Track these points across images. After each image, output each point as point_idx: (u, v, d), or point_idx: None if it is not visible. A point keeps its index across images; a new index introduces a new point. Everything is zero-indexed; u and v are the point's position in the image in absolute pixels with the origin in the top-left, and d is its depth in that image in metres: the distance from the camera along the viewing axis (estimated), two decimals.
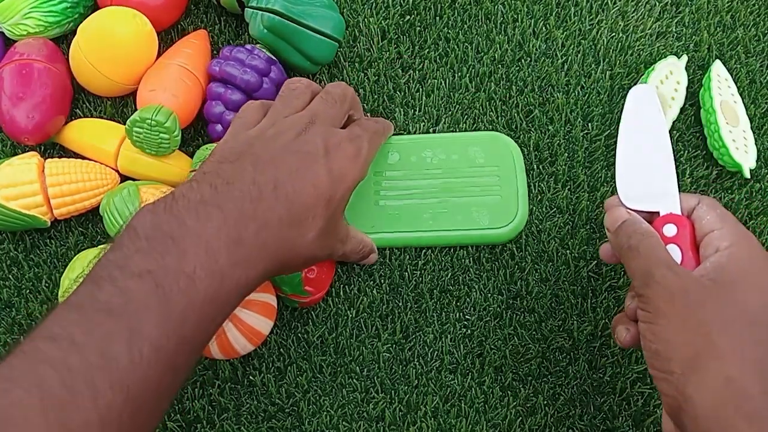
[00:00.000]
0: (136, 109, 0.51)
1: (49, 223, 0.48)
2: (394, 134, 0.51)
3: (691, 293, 0.35)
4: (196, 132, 0.51)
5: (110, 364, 0.30)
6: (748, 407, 0.32)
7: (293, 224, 0.38)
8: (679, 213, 0.40)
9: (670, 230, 0.39)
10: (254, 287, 0.37)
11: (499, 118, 0.52)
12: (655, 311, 0.36)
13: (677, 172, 0.50)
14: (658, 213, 0.41)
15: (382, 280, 0.48)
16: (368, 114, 0.52)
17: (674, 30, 0.54)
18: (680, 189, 0.50)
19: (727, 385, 0.33)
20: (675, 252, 0.39)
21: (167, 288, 0.33)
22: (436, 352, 0.47)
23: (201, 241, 0.34)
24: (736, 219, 0.39)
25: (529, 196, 0.49)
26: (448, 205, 0.48)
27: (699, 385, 0.34)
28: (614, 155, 0.50)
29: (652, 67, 0.52)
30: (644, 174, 0.42)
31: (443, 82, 0.53)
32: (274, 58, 0.50)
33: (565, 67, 0.53)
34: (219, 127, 0.49)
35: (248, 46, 0.49)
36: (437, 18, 0.54)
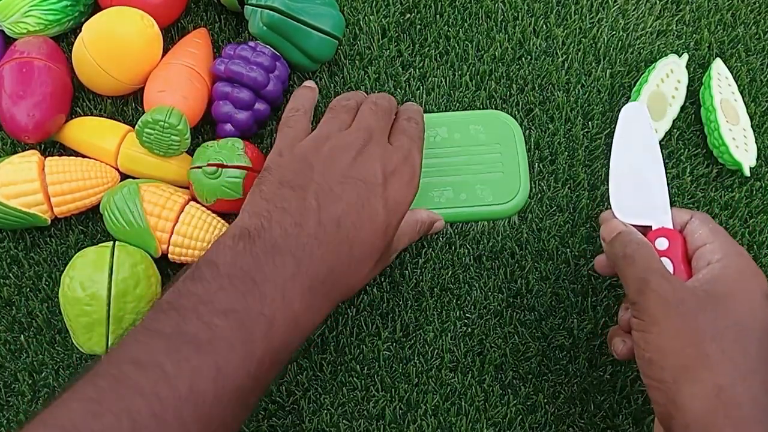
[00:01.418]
0: (137, 109, 0.51)
1: (50, 222, 0.48)
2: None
3: (686, 302, 0.36)
4: (196, 131, 0.51)
5: (198, 398, 0.31)
6: (738, 415, 0.33)
7: (354, 264, 0.40)
8: (671, 227, 0.41)
9: (662, 244, 0.41)
10: (315, 329, 0.40)
11: None
12: (649, 319, 0.37)
13: (678, 171, 0.50)
14: (650, 227, 0.42)
15: (382, 278, 0.48)
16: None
17: (675, 28, 0.54)
18: (680, 189, 0.50)
19: (718, 394, 0.34)
20: (667, 265, 0.40)
21: (250, 329, 0.34)
22: (436, 351, 0.47)
23: (278, 288, 0.35)
24: (727, 234, 0.40)
25: (530, 188, 0.50)
26: (452, 183, 0.49)
27: (690, 393, 0.34)
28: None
29: (652, 65, 0.52)
30: (637, 189, 0.43)
31: (444, 80, 0.53)
32: (278, 53, 0.50)
33: (566, 65, 0.53)
34: (229, 127, 0.49)
35: (251, 43, 0.49)
36: (437, 16, 0.54)
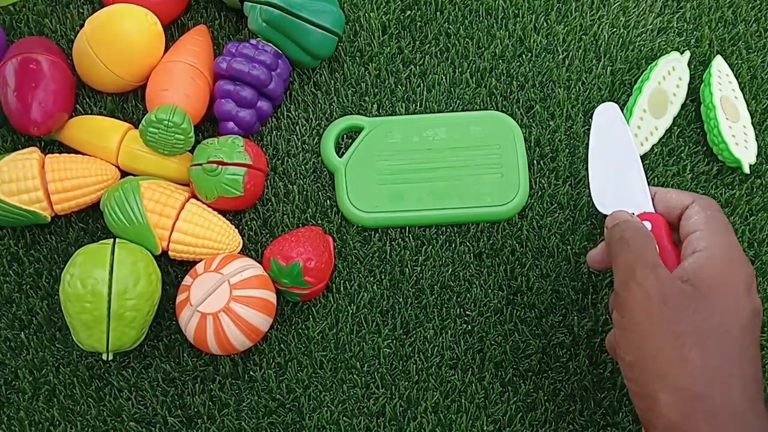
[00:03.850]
0: (138, 106, 0.51)
1: (50, 219, 0.48)
2: (395, 115, 0.51)
3: (669, 302, 0.35)
4: (198, 128, 0.51)
5: None
6: (715, 423, 0.33)
7: None
8: (652, 211, 0.42)
9: (646, 225, 0.41)
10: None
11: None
12: (630, 317, 0.36)
13: (678, 168, 0.50)
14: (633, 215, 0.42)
15: (383, 276, 0.48)
16: (373, 106, 0.52)
17: (675, 25, 0.54)
18: (681, 186, 0.50)
19: (696, 402, 0.34)
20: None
21: None
22: (436, 348, 0.47)
23: None
24: (724, 221, 0.39)
25: (529, 189, 0.50)
26: (451, 184, 0.49)
27: (668, 402, 0.34)
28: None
29: (654, 62, 0.52)
30: (615, 181, 0.45)
31: (444, 77, 0.52)
32: (279, 51, 0.50)
33: (566, 62, 0.53)
34: (231, 125, 0.49)
35: (253, 41, 0.49)
36: (438, 13, 0.54)
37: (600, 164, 0.46)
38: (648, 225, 0.41)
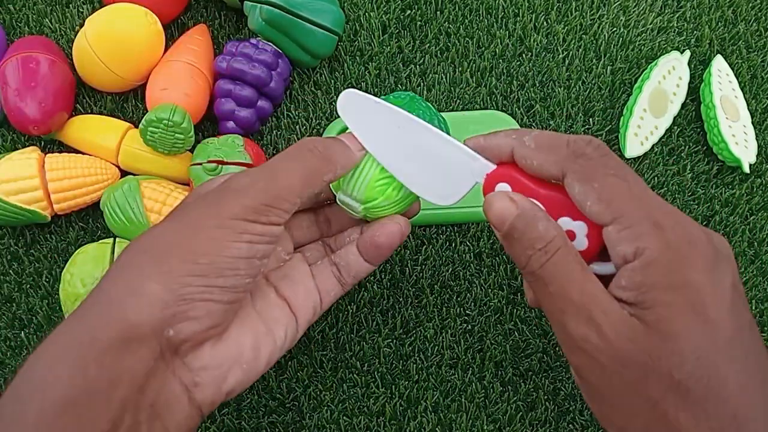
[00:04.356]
0: (138, 105, 0.51)
1: (50, 218, 0.48)
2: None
3: (626, 362, 0.27)
4: (198, 128, 0.51)
5: None
6: None
7: None
8: (493, 166, 0.33)
9: (504, 188, 0.32)
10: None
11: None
12: (589, 389, 0.29)
13: (678, 168, 0.50)
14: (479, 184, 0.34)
15: (383, 276, 0.48)
16: None
17: (675, 25, 0.54)
18: (681, 186, 0.50)
19: None
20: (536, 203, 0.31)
21: None
22: (436, 348, 0.47)
23: None
24: (631, 188, 0.28)
25: None
26: None
27: None
28: (616, 149, 0.50)
29: (654, 62, 0.52)
30: (428, 166, 0.34)
31: (444, 76, 0.52)
32: (280, 50, 0.50)
33: (566, 62, 0.53)
34: (231, 124, 0.49)
35: (253, 40, 0.49)
36: (438, 12, 0.54)
37: (399, 162, 0.34)
38: (506, 186, 0.31)
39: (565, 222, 0.30)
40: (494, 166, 0.33)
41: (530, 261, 0.29)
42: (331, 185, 0.36)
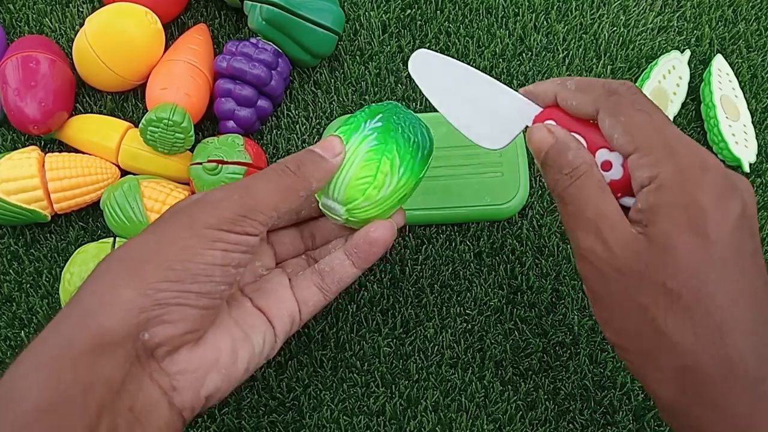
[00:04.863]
0: (137, 105, 0.51)
1: (50, 218, 0.48)
2: None
3: (624, 272, 0.29)
4: (198, 127, 0.51)
5: None
6: (709, 395, 0.29)
7: None
8: (541, 108, 0.35)
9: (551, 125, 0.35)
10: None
11: None
12: (593, 295, 0.32)
13: None
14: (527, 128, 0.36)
15: (383, 275, 0.48)
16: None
17: (675, 24, 0.54)
18: None
19: (685, 376, 0.29)
20: (581, 141, 0.33)
21: None
22: (436, 347, 0.47)
23: None
24: (653, 120, 0.30)
25: (529, 187, 0.50)
26: (452, 183, 0.49)
27: (657, 379, 0.30)
28: None
29: (654, 61, 0.52)
30: (484, 113, 0.37)
31: None
32: (280, 50, 0.50)
33: (567, 61, 0.53)
34: (231, 123, 0.49)
35: (253, 40, 0.49)
36: (438, 12, 0.54)
37: (457, 110, 0.37)
38: (553, 124, 0.33)
39: (603, 153, 0.32)
40: (540, 109, 0.35)
41: (557, 184, 0.32)
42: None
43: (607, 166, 0.32)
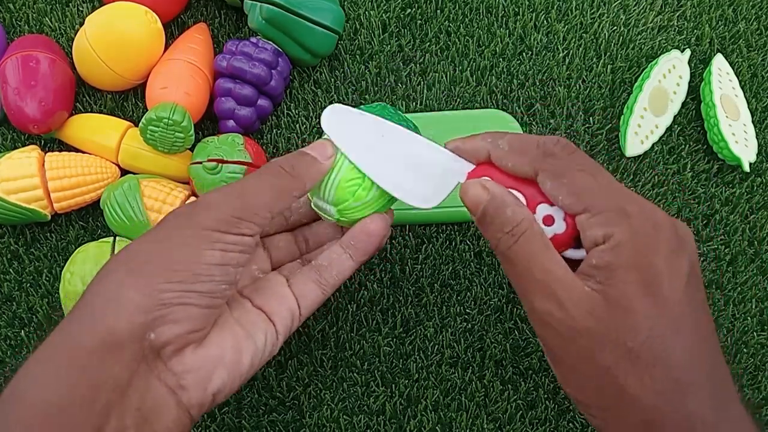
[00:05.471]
0: (137, 104, 0.51)
1: (50, 217, 0.48)
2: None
3: (583, 333, 0.30)
4: (198, 127, 0.51)
5: None
6: None
7: None
8: (473, 165, 0.35)
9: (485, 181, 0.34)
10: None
11: None
12: (552, 356, 0.32)
13: (678, 167, 0.50)
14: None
15: (383, 274, 0.48)
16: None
17: (676, 24, 0.54)
18: (681, 184, 0.50)
19: (647, 428, 0.30)
20: (519, 197, 0.33)
21: None
22: (436, 346, 0.47)
23: None
24: (598, 180, 0.31)
25: None
26: None
27: (618, 430, 0.31)
28: (616, 148, 0.50)
29: (654, 60, 0.52)
30: (415, 171, 0.36)
31: (444, 75, 0.52)
32: (280, 49, 0.50)
33: (567, 60, 0.53)
34: (231, 123, 0.49)
35: (253, 39, 0.49)
36: (438, 11, 0.54)
37: (383, 168, 0.36)
38: (487, 180, 0.32)
39: (544, 208, 0.32)
40: (473, 166, 0.35)
41: (499, 243, 0.32)
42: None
43: (549, 221, 0.32)
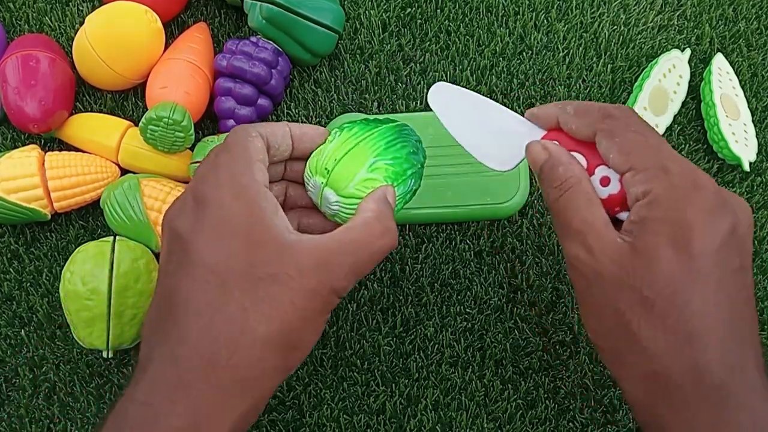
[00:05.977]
0: (137, 104, 0.51)
1: (50, 216, 0.48)
2: (395, 112, 0.51)
3: (605, 277, 0.31)
4: (198, 126, 0.51)
5: None
6: (675, 400, 0.30)
7: None
8: (544, 131, 0.38)
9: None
10: None
11: None
12: (579, 298, 0.34)
13: None
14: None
15: (383, 274, 0.48)
16: (373, 104, 0.52)
17: (676, 23, 0.54)
18: None
19: (653, 379, 0.30)
20: (582, 161, 0.35)
21: None
22: (436, 346, 0.47)
23: None
24: (647, 137, 0.32)
25: (530, 186, 0.49)
26: (452, 181, 0.49)
27: (627, 378, 0.32)
28: None
29: (655, 60, 0.52)
30: (494, 137, 0.40)
31: (444, 74, 0.52)
32: (280, 48, 0.50)
33: (567, 60, 0.53)
34: (231, 122, 0.49)
35: (253, 39, 0.49)
36: (438, 10, 0.54)
37: (469, 137, 0.40)
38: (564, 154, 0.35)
39: (602, 170, 0.34)
40: (544, 132, 0.37)
41: (549, 196, 0.35)
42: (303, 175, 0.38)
43: (605, 181, 0.34)
